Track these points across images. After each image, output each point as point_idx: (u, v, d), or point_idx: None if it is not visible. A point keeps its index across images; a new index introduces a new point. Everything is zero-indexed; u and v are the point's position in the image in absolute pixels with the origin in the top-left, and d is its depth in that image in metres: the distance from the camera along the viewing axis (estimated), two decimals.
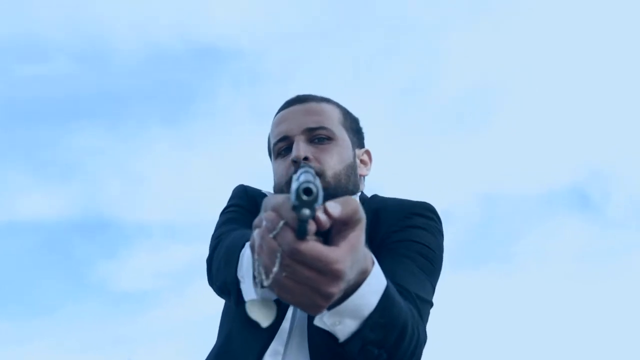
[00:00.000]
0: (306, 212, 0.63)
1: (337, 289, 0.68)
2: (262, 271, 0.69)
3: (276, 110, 1.37)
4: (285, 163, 1.26)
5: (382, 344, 0.88)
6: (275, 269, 0.66)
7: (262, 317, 0.77)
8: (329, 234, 0.69)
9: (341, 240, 0.68)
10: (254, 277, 0.81)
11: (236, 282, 1.01)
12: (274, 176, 1.33)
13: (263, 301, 0.78)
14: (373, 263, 0.82)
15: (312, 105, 1.31)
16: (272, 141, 1.32)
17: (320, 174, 1.18)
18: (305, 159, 1.19)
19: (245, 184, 1.39)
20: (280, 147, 1.29)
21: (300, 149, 1.22)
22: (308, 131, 1.26)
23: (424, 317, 1.06)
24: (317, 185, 0.64)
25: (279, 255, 0.66)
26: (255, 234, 0.71)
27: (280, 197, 0.67)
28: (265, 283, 0.68)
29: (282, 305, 1.13)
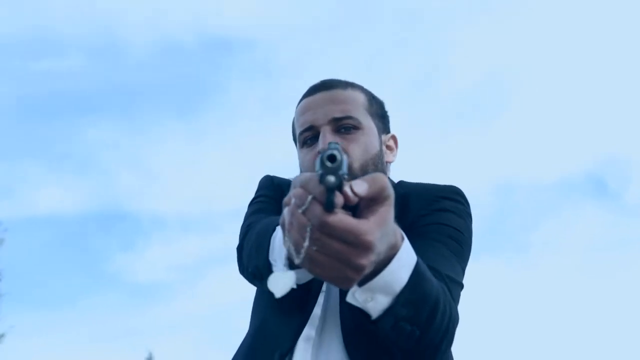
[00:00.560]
0: (331, 179, 0.65)
1: (367, 261, 0.70)
2: (293, 248, 0.70)
3: (298, 99, 1.35)
4: (311, 153, 1.26)
5: (414, 321, 0.89)
6: (305, 244, 0.68)
7: (278, 288, 0.78)
8: (357, 209, 0.70)
9: (370, 214, 0.69)
10: (287, 259, 0.83)
11: (268, 266, 1.02)
12: (300, 165, 1.33)
13: (283, 273, 0.79)
14: (403, 239, 0.83)
15: (338, 92, 1.29)
16: (298, 130, 1.31)
17: (348, 168, 1.19)
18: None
19: (269, 174, 1.39)
20: (306, 137, 1.28)
21: (327, 140, 1.22)
22: (334, 121, 1.25)
23: (455, 298, 1.07)
24: (341, 153, 0.65)
25: (308, 229, 0.67)
26: (285, 211, 0.72)
27: (308, 174, 0.69)
28: (297, 259, 0.70)
29: (313, 291, 1.14)
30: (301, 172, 1.32)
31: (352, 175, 1.17)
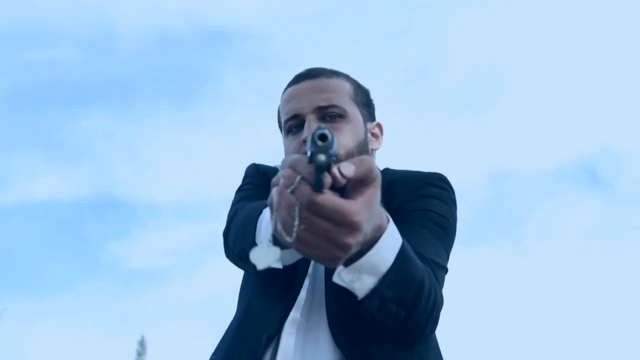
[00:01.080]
0: (322, 157, 0.67)
1: (354, 240, 0.72)
2: (281, 227, 0.72)
3: (285, 85, 1.35)
4: (296, 141, 1.27)
5: (400, 301, 0.91)
6: (296, 222, 0.70)
7: (261, 261, 0.79)
8: (345, 191, 0.72)
9: (357, 195, 0.71)
10: (273, 237, 0.85)
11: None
12: (285, 153, 1.34)
13: (267, 248, 0.80)
14: (388, 221, 0.84)
15: (323, 81, 1.30)
16: (283, 118, 1.32)
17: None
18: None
19: (255, 162, 1.39)
20: (291, 125, 1.29)
21: (312, 129, 1.22)
22: (319, 109, 1.26)
23: (440, 281, 1.09)
24: (331, 133, 0.67)
25: (297, 208, 0.69)
26: (273, 192, 0.74)
27: (297, 155, 0.71)
28: (288, 238, 0.72)
29: (299, 275, 1.16)
30: None
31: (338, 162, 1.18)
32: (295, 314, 1.13)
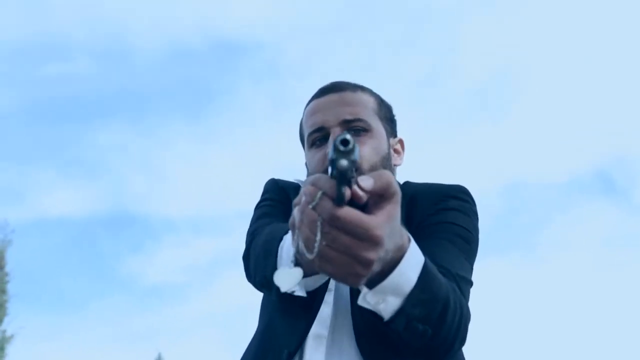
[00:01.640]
0: (344, 162, 0.66)
1: (375, 256, 0.71)
2: (303, 245, 0.72)
3: (306, 100, 1.36)
4: (319, 154, 1.27)
5: (426, 320, 0.91)
6: (318, 238, 0.69)
7: (285, 283, 0.80)
8: (366, 207, 0.72)
9: (378, 210, 0.71)
10: (295, 258, 0.83)
11: None
12: (307, 166, 1.34)
13: (290, 269, 0.81)
14: (409, 240, 0.84)
15: (348, 94, 1.29)
16: (307, 131, 1.32)
17: (356, 168, 1.19)
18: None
19: (274, 177, 1.39)
20: (316, 138, 1.29)
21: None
22: (344, 123, 1.25)
23: (465, 295, 1.08)
24: (353, 139, 0.67)
25: (319, 223, 0.69)
26: (295, 211, 0.74)
27: (318, 174, 0.72)
28: (310, 255, 0.71)
29: (320, 290, 1.15)
30: (308, 172, 1.33)
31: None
32: (320, 329, 1.12)
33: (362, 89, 1.33)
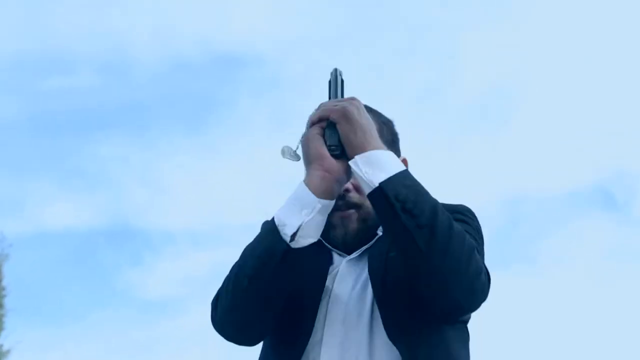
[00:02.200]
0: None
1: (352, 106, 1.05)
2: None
3: (307, 113, 1.26)
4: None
5: (416, 204, 0.96)
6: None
7: (287, 151, 1.12)
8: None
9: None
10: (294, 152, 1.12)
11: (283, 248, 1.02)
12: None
13: (294, 150, 1.11)
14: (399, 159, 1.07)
15: None
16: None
17: (359, 205, 1.15)
18: (346, 190, 1.14)
19: (268, 220, 1.35)
20: None
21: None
22: None
23: (481, 253, 1.10)
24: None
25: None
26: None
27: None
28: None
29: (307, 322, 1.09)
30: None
31: (365, 215, 1.15)
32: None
33: (366, 110, 1.30)
